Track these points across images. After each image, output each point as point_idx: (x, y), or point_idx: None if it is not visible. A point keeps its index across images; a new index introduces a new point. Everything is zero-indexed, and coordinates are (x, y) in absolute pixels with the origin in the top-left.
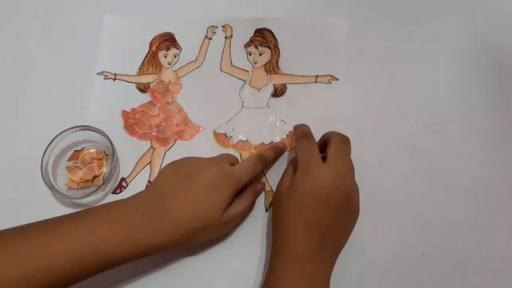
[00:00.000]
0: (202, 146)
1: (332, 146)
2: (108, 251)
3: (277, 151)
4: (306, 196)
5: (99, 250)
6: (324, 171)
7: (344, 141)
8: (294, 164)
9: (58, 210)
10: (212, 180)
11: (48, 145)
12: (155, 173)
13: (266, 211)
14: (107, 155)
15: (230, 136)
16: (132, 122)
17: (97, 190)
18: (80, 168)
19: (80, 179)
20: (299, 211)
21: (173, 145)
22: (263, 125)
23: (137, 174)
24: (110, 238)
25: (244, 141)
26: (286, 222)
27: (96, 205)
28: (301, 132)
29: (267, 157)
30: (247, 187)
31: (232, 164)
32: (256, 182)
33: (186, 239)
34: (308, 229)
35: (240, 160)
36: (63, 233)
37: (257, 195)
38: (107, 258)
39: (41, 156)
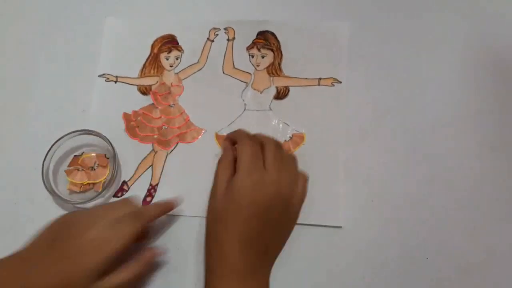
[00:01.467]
0: (204, 149)
1: (268, 151)
2: None
3: (162, 209)
4: (246, 207)
5: None
6: (266, 179)
7: (279, 146)
8: (229, 160)
9: (59, 214)
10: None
11: (49, 150)
12: (157, 176)
13: None
14: (107, 158)
15: None
16: (133, 124)
17: (98, 195)
18: (80, 172)
19: (81, 181)
20: (238, 223)
21: (174, 148)
22: (265, 127)
23: (138, 177)
24: None
25: None
26: (223, 234)
27: None
28: (247, 134)
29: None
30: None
31: None
32: (146, 252)
33: None
34: (248, 243)
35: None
36: None
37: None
38: None
39: (42, 161)
